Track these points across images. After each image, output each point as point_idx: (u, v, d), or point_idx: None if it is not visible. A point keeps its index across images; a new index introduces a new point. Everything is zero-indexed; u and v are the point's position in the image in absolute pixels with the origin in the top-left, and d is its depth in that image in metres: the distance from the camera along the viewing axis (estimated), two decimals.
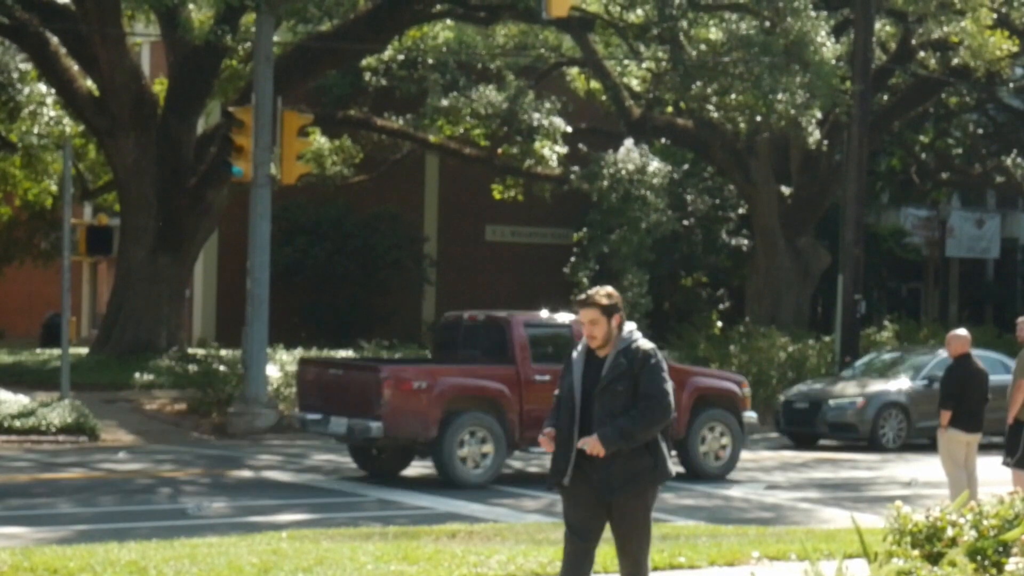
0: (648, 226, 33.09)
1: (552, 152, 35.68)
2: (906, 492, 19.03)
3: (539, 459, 22.10)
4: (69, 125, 36.38)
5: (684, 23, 31.68)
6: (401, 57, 37.10)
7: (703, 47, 31.90)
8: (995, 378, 18.62)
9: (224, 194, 33.57)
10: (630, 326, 8.90)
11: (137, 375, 29.78)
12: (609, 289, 8.95)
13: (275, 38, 29.04)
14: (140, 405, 28.10)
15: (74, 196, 34.08)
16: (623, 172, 33.13)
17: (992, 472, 16.99)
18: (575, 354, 8.96)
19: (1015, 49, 33.52)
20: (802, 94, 29.64)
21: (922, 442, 26.10)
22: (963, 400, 16.09)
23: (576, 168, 36.04)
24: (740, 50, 30.88)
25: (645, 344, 8.83)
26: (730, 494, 19.63)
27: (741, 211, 43.84)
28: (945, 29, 33.25)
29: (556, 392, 9.08)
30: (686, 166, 44.52)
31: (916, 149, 45.73)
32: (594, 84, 39.99)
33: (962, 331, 16.66)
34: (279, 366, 27.99)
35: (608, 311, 8.76)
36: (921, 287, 52.42)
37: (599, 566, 12.05)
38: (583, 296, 8.84)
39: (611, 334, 8.78)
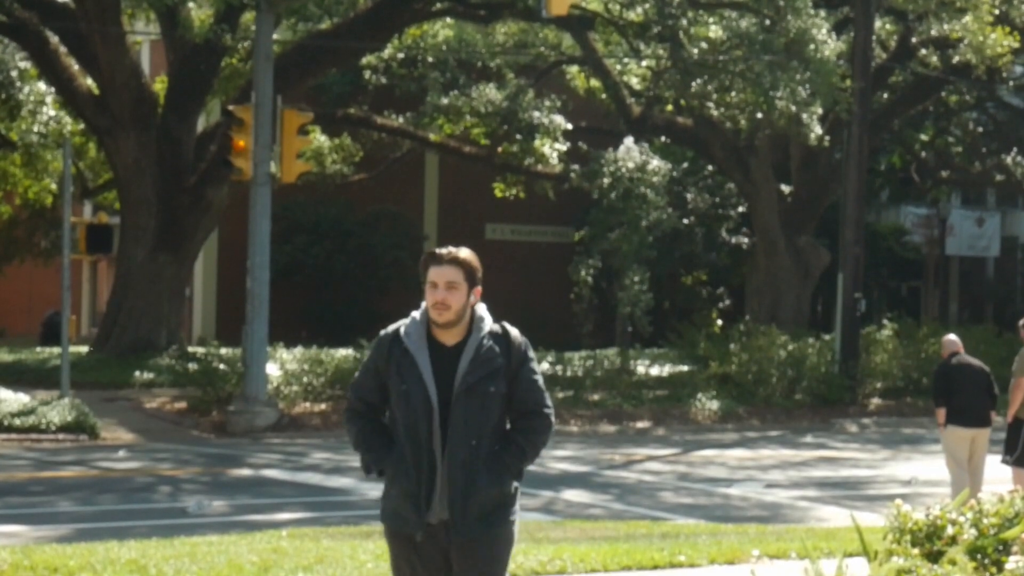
0: (648, 224, 33.07)
1: (552, 150, 35.68)
2: (906, 491, 19.02)
3: (539, 457, 22.07)
4: (69, 124, 36.38)
5: (684, 21, 31.68)
6: (401, 55, 37.09)
7: (703, 45, 31.90)
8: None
9: (224, 193, 33.57)
10: (484, 308, 6.77)
11: (137, 374, 29.77)
12: (469, 250, 6.85)
13: (275, 36, 29.03)
14: (140, 404, 28.10)
15: (74, 195, 34.10)
16: (623, 170, 33.11)
17: (992, 470, 16.99)
18: (406, 340, 6.67)
19: (1016, 45, 33.49)
20: (803, 91, 29.65)
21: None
22: (954, 396, 16.23)
23: (576, 166, 36.04)
24: (740, 48, 30.88)
25: (516, 331, 6.78)
26: (729, 492, 19.63)
27: (741, 209, 43.86)
28: (945, 27, 33.25)
29: (358, 398, 6.81)
30: (686, 164, 44.55)
31: (916, 147, 45.74)
32: (594, 82, 39.99)
33: (950, 336, 17.09)
34: (279, 365, 27.99)
35: (472, 277, 6.69)
36: (921, 286, 52.44)
37: (598, 565, 12.06)
38: (441, 250, 6.69)
39: (466, 312, 6.64)
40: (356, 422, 6.79)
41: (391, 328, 6.74)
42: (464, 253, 6.73)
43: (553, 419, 6.74)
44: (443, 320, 6.60)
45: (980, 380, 16.33)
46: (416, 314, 6.73)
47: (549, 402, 6.76)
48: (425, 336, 6.65)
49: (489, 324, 6.70)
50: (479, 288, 6.73)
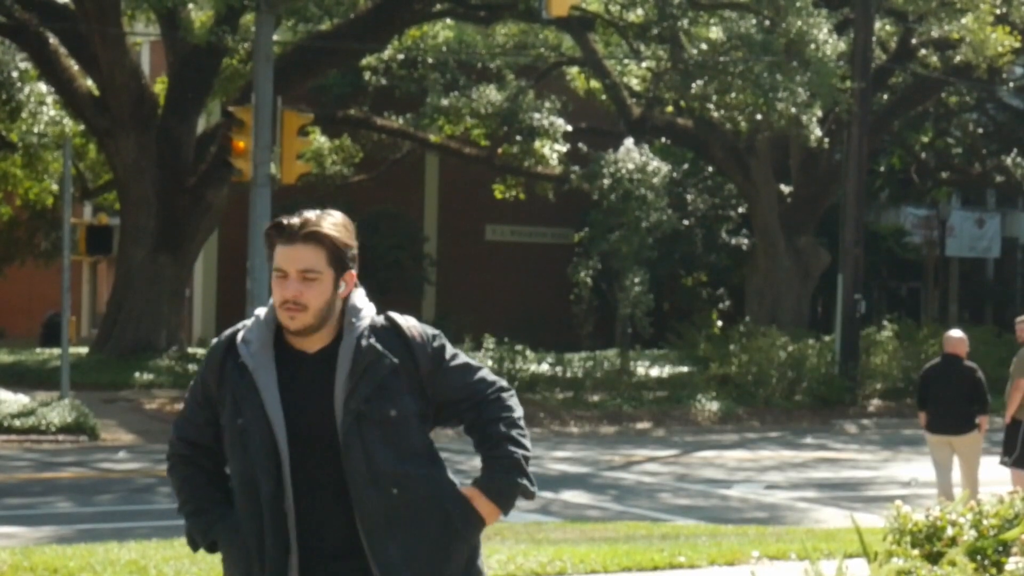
0: (648, 225, 33.08)
1: (552, 151, 35.68)
2: (905, 492, 19.02)
3: (538, 458, 22.08)
4: (69, 125, 36.39)
5: (684, 22, 31.70)
6: (401, 56, 37.10)
7: (703, 46, 31.93)
8: None
9: (224, 194, 33.58)
10: (361, 294, 4.70)
11: (137, 375, 29.78)
12: (339, 216, 4.64)
13: (275, 38, 29.04)
14: (140, 404, 28.10)
15: (74, 196, 34.09)
16: (623, 171, 33.12)
17: (991, 472, 16.99)
18: (243, 351, 4.62)
19: (1016, 46, 33.51)
20: (803, 92, 29.66)
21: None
22: (930, 402, 15.88)
23: (576, 168, 36.05)
24: (740, 49, 30.89)
25: (411, 321, 4.72)
26: (729, 493, 19.63)
27: (741, 210, 43.86)
28: (946, 28, 33.25)
29: (181, 439, 4.80)
30: (686, 165, 44.55)
31: (916, 148, 45.74)
32: (594, 83, 39.99)
33: (953, 332, 16.46)
34: None
35: (340, 259, 4.57)
36: (921, 287, 52.43)
37: (598, 566, 12.07)
38: (293, 219, 4.56)
39: (332, 309, 4.59)
40: (178, 471, 4.78)
41: (227, 333, 4.70)
42: (328, 224, 4.53)
43: (508, 387, 4.75)
44: (296, 327, 4.52)
45: (962, 385, 15.72)
46: (261, 311, 4.66)
47: (495, 377, 4.76)
48: (272, 344, 4.58)
49: (369, 317, 4.62)
50: (353, 272, 4.60)
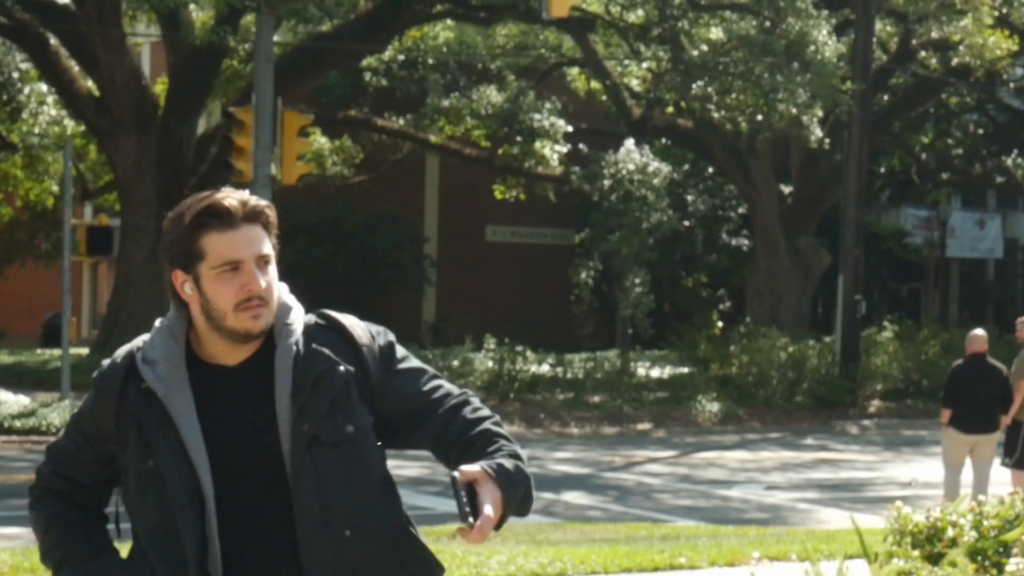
0: (649, 226, 33.09)
1: (553, 152, 35.69)
2: (906, 492, 19.02)
3: (539, 459, 22.07)
4: (70, 125, 36.40)
5: (684, 23, 31.71)
6: (401, 57, 37.11)
7: (703, 47, 31.93)
8: None
9: None
10: (285, 288, 3.87)
11: None
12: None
13: (275, 38, 29.05)
14: None
15: (74, 196, 34.09)
16: (624, 172, 33.13)
17: (992, 472, 16.98)
18: (149, 375, 3.73)
19: (1015, 48, 33.51)
20: (803, 93, 29.67)
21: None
22: (961, 400, 16.09)
23: (577, 168, 36.06)
24: (741, 50, 30.90)
25: (351, 319, 3.89)
26: (729, 494, 19.63)
27: (741, 211, 43.86)
28: (946, 29, 33.26)
29: (55, 473, 3.99)
30: (686, 166, 44.57)
31: (916, 149, 45.75)
32: (594, 84, 40.00)
33: (978, 331, 16.79)
34: None
35: (270, 235, 3.85)
36: (921, 287, 52.45)
37: (598, 566, 12.07)
38: (228, 199, 3.72)
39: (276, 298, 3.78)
40: (46, 508, 4.01)
41: (120, 355, 3.85)
42: (257, 198, 3.81)
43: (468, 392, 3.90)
44: (262, 327, 3.70)
45: (994, 386, 16.08)
46: (161, 322, 3.83)
47: (447, 382, 3.91)
48: (184, 360, 3.73)
49: (302, 317, 3.82)
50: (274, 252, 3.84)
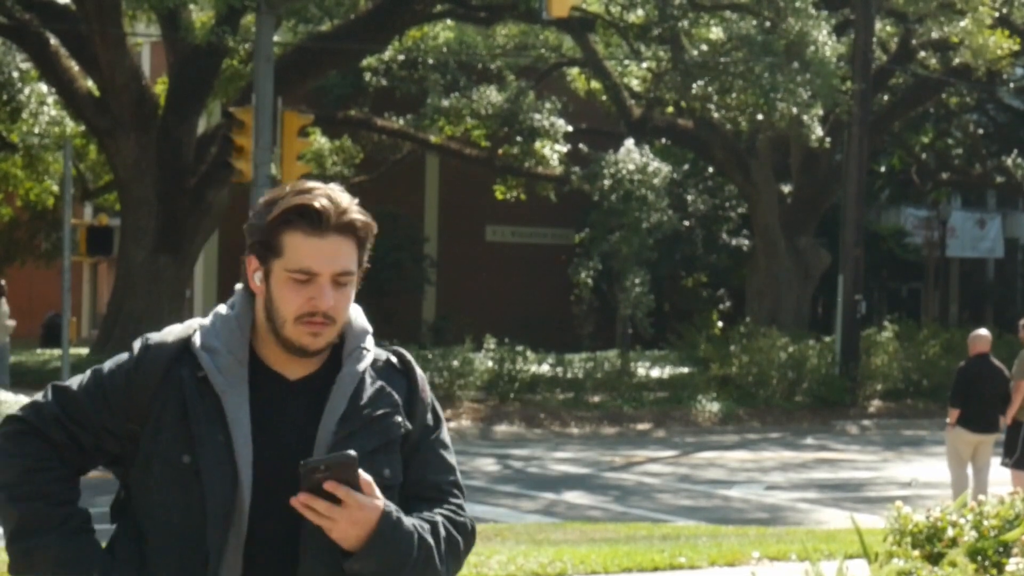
0: (649, 226, 33.09)
1: (553, 152, 35.69)
2: (906, 492, 19.02)
3: (539, 459, 22.06)
4: (70, 125, 36.40)
5: (684, 23, 31.71)
6: (401, 57, 37.11)
7: (703, 47, 31.94)
8: None
9: (224, 194, 33.59)
10: (357, 309, 3.57)
11: None
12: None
13: (275, 38, 29.04)
14: None
15: (75, 196, 34.11)
16: (624, 172, 33.13)
17: (992, 472, 17.00)
18: (210, 366, 3.41)
19: (1016, 48, 33.52)
20: (803, 93, 29.68)
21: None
22: (970, 400, 16.14)
23: (577, 168, 36.06)
24: (741, 50, 30.90)
25: (413, 365, 3.62)
26: (729, 494, 19.63)
27: (741, 211, 43.86)
28: (945, 29, 33.27)
29: (47, 416, 3.44)
30: (686, 166, 44.56)
31: (916, 149, 45.75)
32: (594, 84, 40.00)
33: (982, 331, 16.88)
34: None
35: (363, 256, 3.48)
36: (921, 287, 52.45)
37: (599, 566, 12.06)
38: (321, 198, 3.41)
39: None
40: (29, 447, 3.42)
41: (173, 332, 3.50)
42: (356, 206, 3.46)
43: (475, 530, 3.57)
44: (320, 346, 3.42)
45: (999, 386, 16.20)
46: (225, 309, 3.53)
47: (465, 503, 3.57)
48: (248, 358, 3.43)
49: (372, 345, 3.57)
50: (364, 266, 3.50)
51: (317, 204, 3.37)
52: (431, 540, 3.37)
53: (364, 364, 3.48)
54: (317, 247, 3.37)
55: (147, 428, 3.41)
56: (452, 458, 3.57)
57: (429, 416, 3.55)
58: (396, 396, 3.48)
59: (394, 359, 3.58)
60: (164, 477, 3.38)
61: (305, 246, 3.37)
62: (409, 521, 3.35)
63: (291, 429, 3.41)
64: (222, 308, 3.53)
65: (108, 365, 3.49)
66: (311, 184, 3.44)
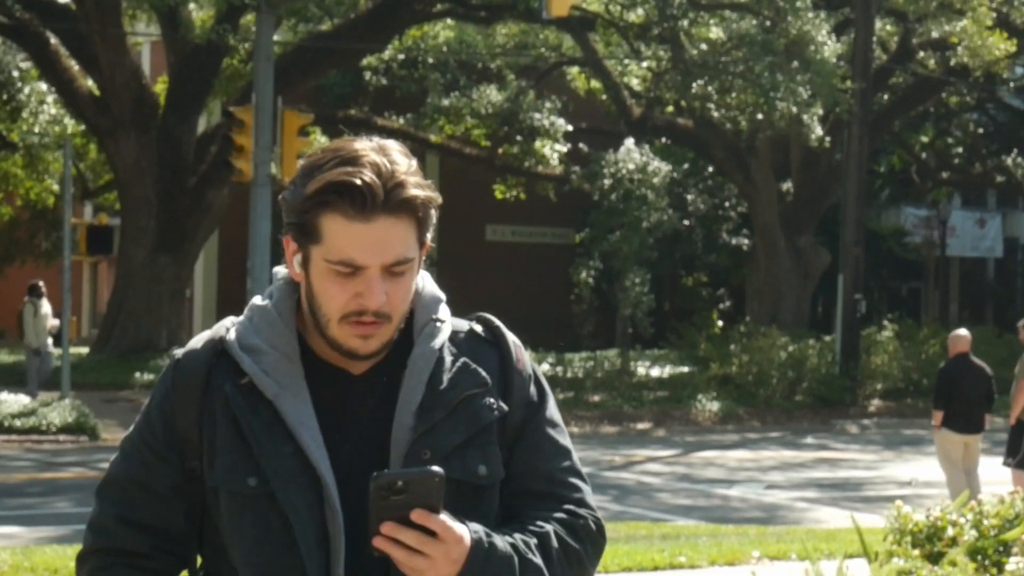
0: (649, 226, 33.10)
1: (553, 151, 35.70)
2: (905, 492, 19.03)
3: None
4: (70, 125, 36.41)
5: (684, 22, 31.72)
6: (401, 57, 37.11)
7: (703, 46, 31.95)
8: None
9: (224, 194, 33.60)
10: (428, 279, 2.96)
11: (137, 375, 29.79)
12: (405, 155, 2.79)
13: (275, 37, 29.05)
14: (140, 404, 27.93)
15: (75, 196, 34.11)
16: (624, 171, 33.13)
17: (992, 472, 17.00)
18: (255, 368, 2.76)
19: (1013, 49, 33.53)
20: (803, 92, 29.69)
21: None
22: (954, 400, 16.08)
23: (577, 168, 36.07)
24: (741, 49, 30.92)
25: (503, 331, 2.98)
26: (729, 493, 19.63)
27: (741, 210, 43.86)
28: (945, 29, 33.28)
29: (111, 534, 2.96)
30: (686, 165, 44.56)
31: (916, 148, 45.75)
32: (594, 83, 40.01)
33: (962, 331, 16.81)
34: None
35: (425, 232, 2.84)
36: (921, 287, 52.45)
37: (600, 566, 12.07)
38: (364, 172, 2.67)
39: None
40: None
41: (201, 339, 2.90)
42: (414, 178, 2.78)
43: (602, 527, 2.90)
44: (373, 349, 2.76)
45: (982, 385, 16.17)
46: (263, 300, 2.92)
47: (589, 492, 2.92)
48: (299, 353, 2.81)
49: (449, 317, 2.95)
50: (427, 243, 2.88)
51: (359, 181, 2.67)
52: (538, 560, 2.74)
53: (440, 339, 2.85)
54: (362, 234, 2.69)
55: (204, 460, 2.78)
56: (565, 439, 2.91)
57: (532, 389, 2.90)
58: (484, 373, 2.85)
59: (478, 328, 2.95)
60: (232, 510, 2.74)
61: (347, 233, 2.69)
62: (504, 542, 2.71)
63: (362, 425, 2.78)
64: (258, 299, 2.92)
65: (142, 416, 2.88)
66: (358, 146, 2.74)
